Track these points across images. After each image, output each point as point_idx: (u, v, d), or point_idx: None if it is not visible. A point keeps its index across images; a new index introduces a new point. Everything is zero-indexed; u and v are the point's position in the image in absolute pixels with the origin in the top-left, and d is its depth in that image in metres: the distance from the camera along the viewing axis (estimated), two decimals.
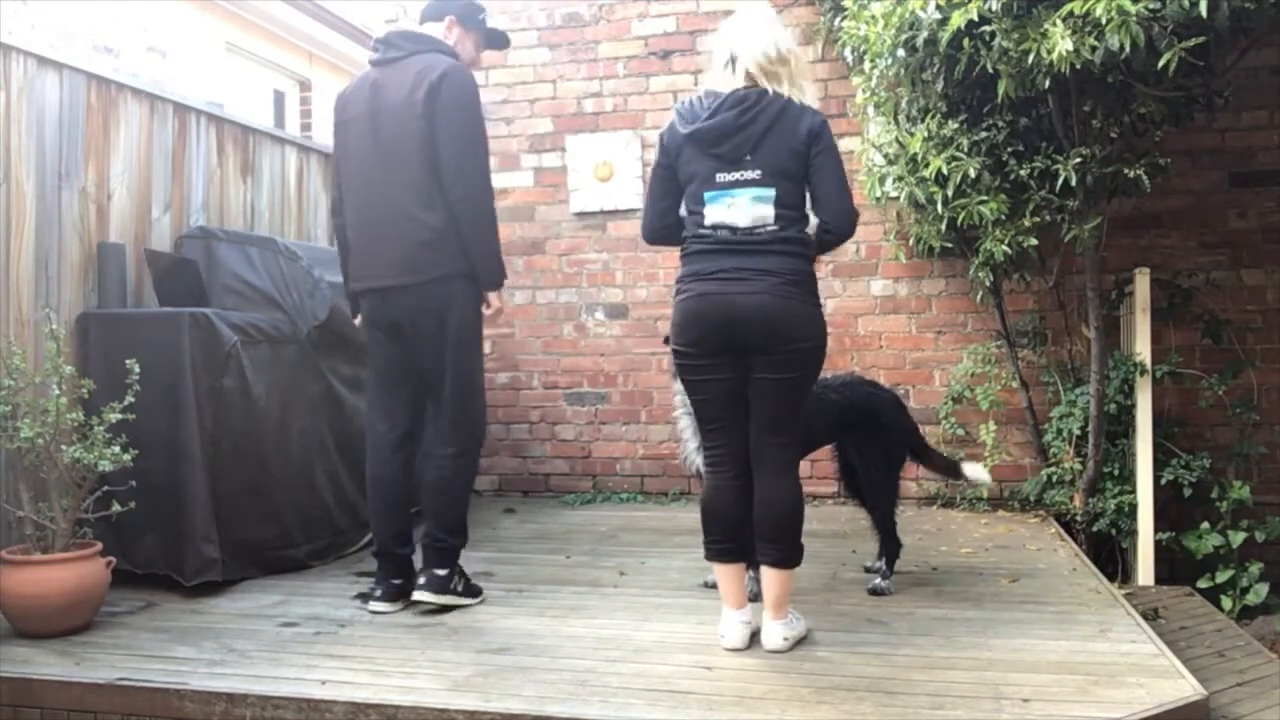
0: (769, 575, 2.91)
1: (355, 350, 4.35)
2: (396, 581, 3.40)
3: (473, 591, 3.45)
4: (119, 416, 3.22)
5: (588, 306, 5.76)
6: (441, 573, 3.34)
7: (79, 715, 2.70)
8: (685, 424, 3.45)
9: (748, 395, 2.88)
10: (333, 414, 4.24)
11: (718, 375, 2.88)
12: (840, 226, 2.89)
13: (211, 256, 4.18)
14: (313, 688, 2.62)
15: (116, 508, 3.27)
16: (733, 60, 2.84)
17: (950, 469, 4.00)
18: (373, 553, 3.47)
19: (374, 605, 3.36)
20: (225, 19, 8.40)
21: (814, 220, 2.91)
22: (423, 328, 3.29)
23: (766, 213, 2.79)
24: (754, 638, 2.95)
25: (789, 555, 2.90)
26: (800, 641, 2.95)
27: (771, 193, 2.79)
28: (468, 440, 3.39)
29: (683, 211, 2.95)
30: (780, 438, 2.90)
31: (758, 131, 2.78)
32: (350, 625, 3.22)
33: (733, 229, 2.81)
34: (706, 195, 2.83)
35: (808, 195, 2.88)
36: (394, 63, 3.33)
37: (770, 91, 2.81)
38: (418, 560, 3.43)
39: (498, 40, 3.69)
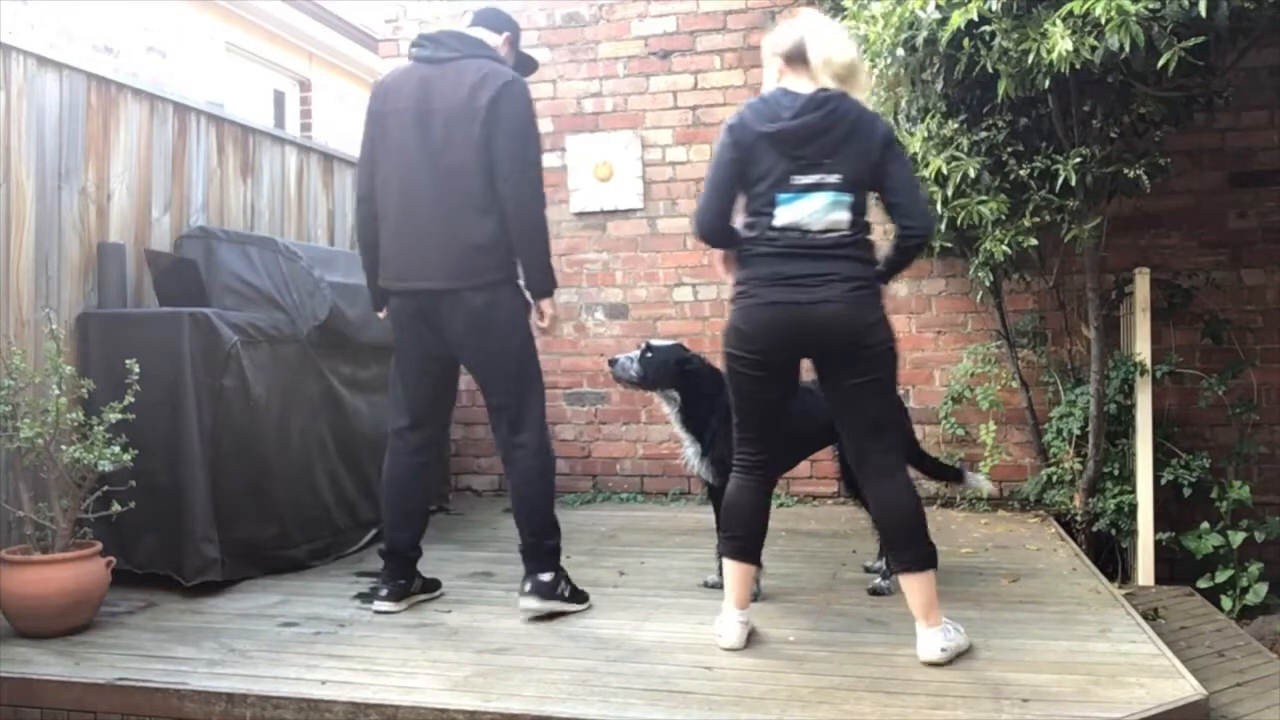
0: (911, 583, 2.80)
1: (355, 350, 4.36)
2: (401, 581, 3.39)
3: (579, 597, 3.36)
4: (119, 416, 3.21)
5: (587, 306, 5.76)
6: (546, 578, 3.26)
7: (79, 715, 2.70)
8: (682, 435, 3.46)
9: (789, 404, 2.91)
10: (333, 414, 4.24)
11: (774, 385, 2.88)
12: (925, 227, 2.89)
13: (211, 256, 4.18)
14: (313, 688, 2.62)
15: (116, 508, 3.27)
16: (824, 61, 2.79)
17: (952, 475, 4.01)
18: (380, 551, 3.45)
19: (378, 605, 3.35)
20: (225, 19, 8.40)
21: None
22: (479, 331, 3.24)
23: (843, 218, 2.76)
24: (751, 637, 2.95)
25: (923, 557, 2.81)
26: (962, 654, 2.80)
27: (849, 198, 2.76)
28: (536, 438, 3.32)
29: (745, 209, 2.89)
30: (883, 440, 2.85)
31: (839, 136, 2.75)
32: (350, 625, 3.22)
33: (804, 231, 2.76)
34: (780, 196, 2.77)
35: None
36: (446, 63, 3.27)
37: (849, 96, 2.80)
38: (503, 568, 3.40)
39: (529, 65, 3.68)
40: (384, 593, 3.37)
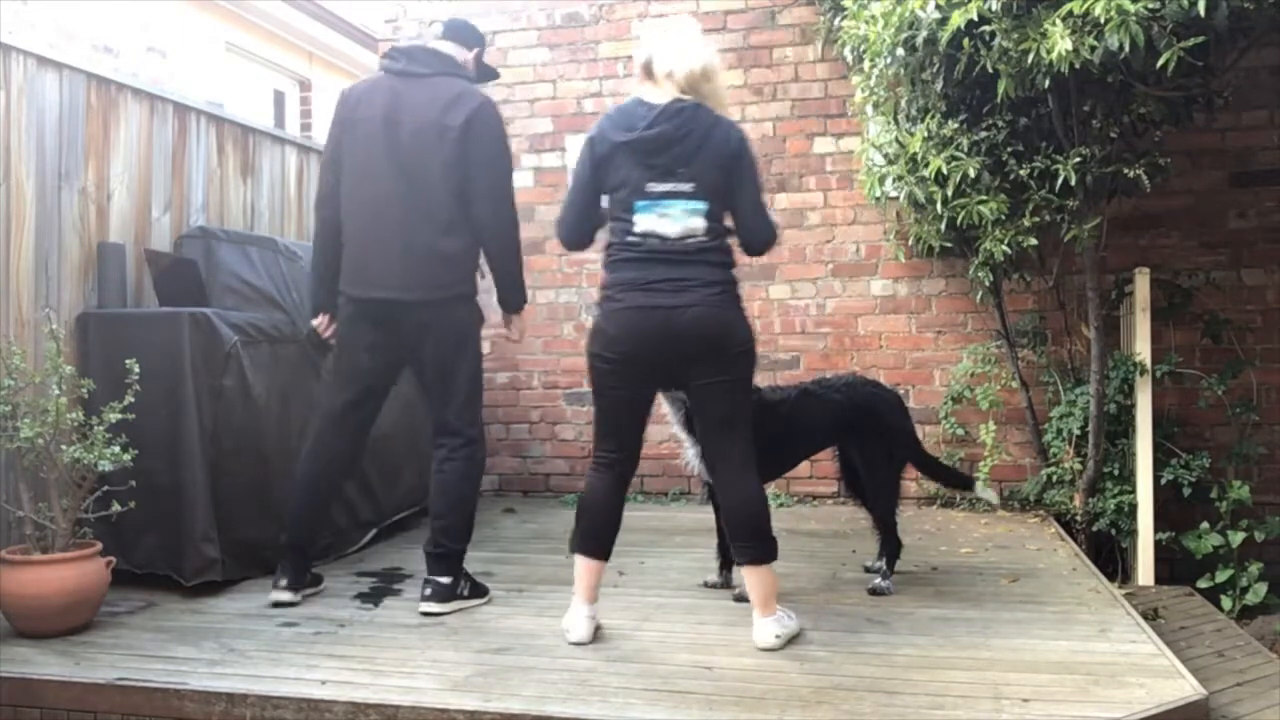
0: (751, 574, 2.95)
1: None
2: (301, 574, 3.47)
3: (479, 591, 3.47)
4: (119, 416, 3.21)
5: (588, 306, 5.75)
6: (445, 581, 3.34)
7: (79, 715, 2.69)
8: (680, 435, 3.46)
9: (650, 405, 3.03)
10: None
11: (636, 385, 2.97)
12: (755, 243, 2.99)
13: (211, 256, 4.17)
14: (313, 688, 2.62)
15: (116, 508, 3.27)
16: (667, 74, 2.89)
17: (962, 483, 4.02)
18: (286, 544, 3.49)
19: (276, 595, 3.40)
20: (225, 19, 8.40)
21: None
22: (436, 341, 3.32)
23: (698, 225, 2.86)
24: (597, 633, 2.98)
25: (765, 551, 2.94)
26: (794, 639, 2.96)
27: (704, 206, 2.86)
28: (470, 441, 3.41)
29: (607, 217, 3.02)
30: (736, 437, 2.96)
31: (692, 145, 2.85)
32: (350, 625, 3.22)
33: (663, 238, 2.86)
34: (637, 204, 2.88)
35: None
36: (419, 78, 3.34)
37: (703, 106, 2.88)
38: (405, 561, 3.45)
39: (491, 75, 3.79)
40: (284, 583, 3.42)
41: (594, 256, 5.68)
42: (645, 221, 2.87)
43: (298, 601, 3.42)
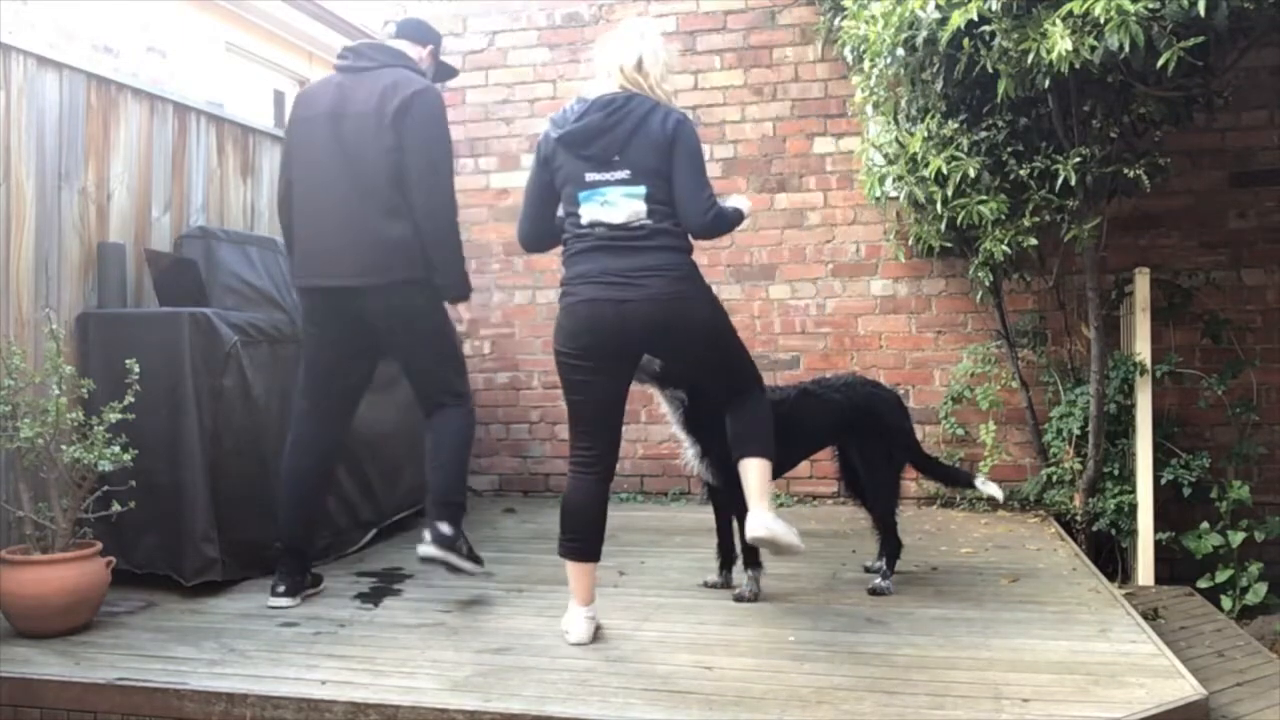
0: (753, 466, 3.01)
1: None
2: (298, 577, 3.47)
3: (475, 558, 3.50)
4: (119, 416, 3.21)
5: None
6: (447, 530, 3.37)
7: (79, 715, 2.70)
8: (681, 435, 3.46)
9: (624, 399, 3.04)
10: None
11: (602, 380, 2.97)
12: (695, 226, 2.96)
13: (211, 256, 4.17)
14: (313, 688, 2.62)
15: (116, 508, 3.27)
16: (606, 71, 2.98)
17: (961, 480, 4.00)
18: (279, 548, 3.49)
19: (273, 601, 3.40)
20: (225, 19, 8.40)
21: None
22: (393, 327, 3.38)
23: (639, 208, 2.89)
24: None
25: (768, 449, 3.04)
26: (783, 546, 2.99)
27: (642, 189, 2.89)
28: (461, 398, 3.51)
29: (561, 214, 3.06)
30: (739, 379, 3.12)
31: (624, 133, 2.89)
32: (350, 625, 3.22)
33: (609, 225, 2.90)
34: (580, 195, 2.93)
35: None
36: (363, 71, 3.41)
37: (637, 96, 2.92)
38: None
39: (448, 73, 3.84)
40: (281, 589, 3.42)
41: None
42: (590, 211, 2.91)
43: (296, 605, 3.42)
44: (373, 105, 3.31)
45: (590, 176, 2.91)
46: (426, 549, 3.34)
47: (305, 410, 3.53)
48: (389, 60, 3.44)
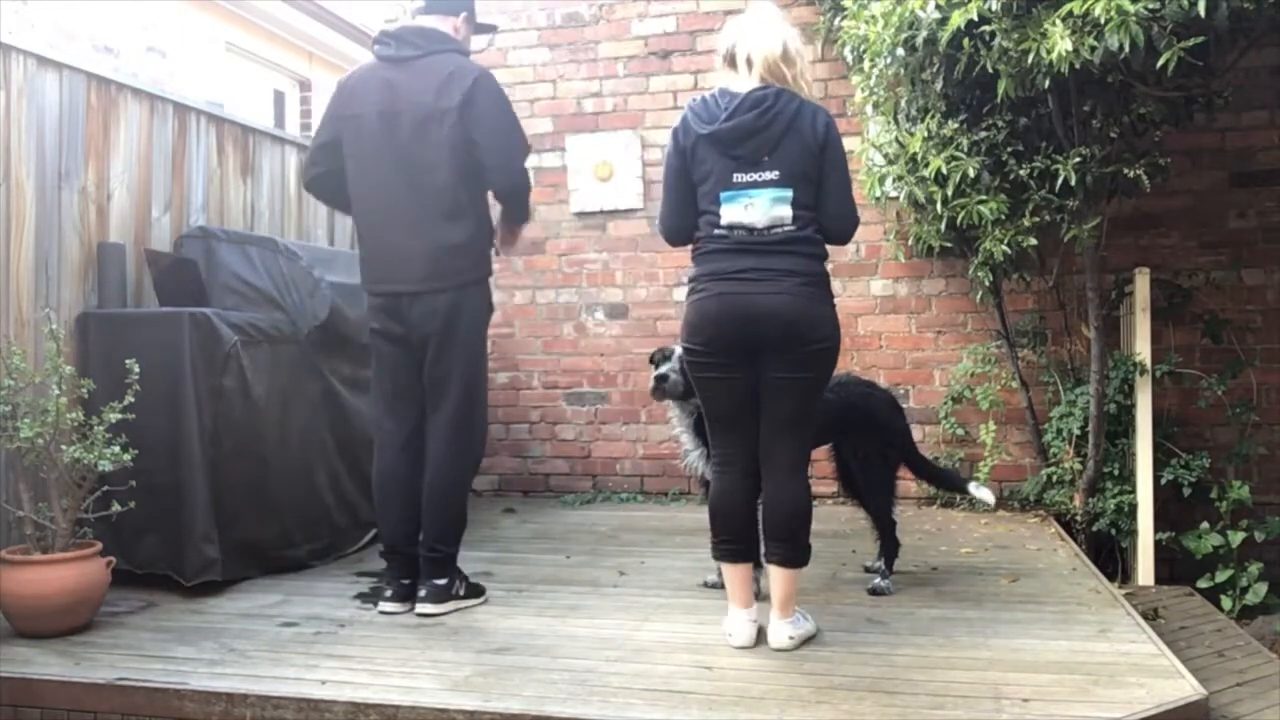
0: (776, 574, 2.90)
1: (355, 350, 4.35)
2: (406, 581, 3.37)
3: (475, 591, 3.45)
4: (119, 416, 3.21)
5: (588, 306, 5.76)
6: (440, 582, 3.33)
7: (79, 715, 2.70)
8: (685, 439, 3.46)
9: (758, 395, 2.88)
10: (333, 414, 4.24)
11: (732, 374, 2.88)
12: (838, 231, 2.92)
13: (211, 256, 4.18)
14: (313, 688, 2.62)
15: (116, 508, 3.27)
16: (747, 60, 2.85)
17: (954, 483, 4.00)
18: (380, 552, 3.46)
19: (384, 606, 3.35)
20: (225, 19, 8.40)
21: None
22: (436, 332, 3.29)
23: (785, 213, 2.80)
24: (760, 635, 2.95)
25: (797, 555, 2.90)
26: (808, 640, 2.94)
27: (789, 194, 2.80)
28: (468, 445, 3.39)
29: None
30: (794, 438, 2.91)
31: (776, 133, 2.79)
32: (350, 625, 3.22)
33: (750, 229, 2.81)
34: (723, 195, 2.82)
35: None
36: (410, 61, 3.29)
37: (785, 92, 2.83)
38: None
39: (488, 30, 3.73)
40: (388, 593, 3.36)
41: (593, 257, 5.75)
42: (731, 213, 2.81)
43: (406, 611, 3.33)
44: (429, 101, 3.21)
45: (738, 177, 2.80)
46: (424, 607, 3.28)
47: (382, 411, 3.44)
48: (433, 46, 3.30)
